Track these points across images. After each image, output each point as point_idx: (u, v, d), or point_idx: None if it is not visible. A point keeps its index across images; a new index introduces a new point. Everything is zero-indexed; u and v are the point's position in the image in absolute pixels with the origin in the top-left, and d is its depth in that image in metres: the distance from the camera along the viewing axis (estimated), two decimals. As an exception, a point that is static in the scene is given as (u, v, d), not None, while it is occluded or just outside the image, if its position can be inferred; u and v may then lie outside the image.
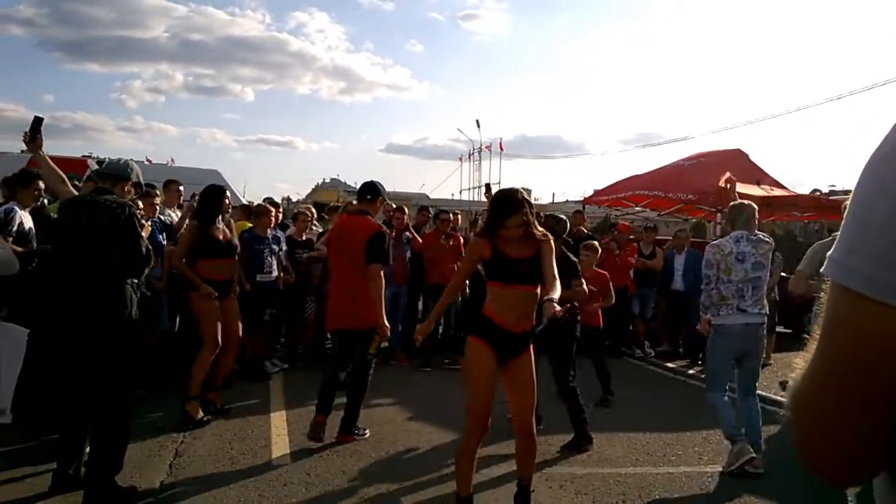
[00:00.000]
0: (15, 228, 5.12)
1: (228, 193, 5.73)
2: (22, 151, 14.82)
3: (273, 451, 4.80)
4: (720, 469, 4.74)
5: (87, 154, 15.10)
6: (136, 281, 3.98)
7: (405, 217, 7.98)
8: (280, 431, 5.21)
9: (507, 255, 3.57)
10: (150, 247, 3.99)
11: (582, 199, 18.20)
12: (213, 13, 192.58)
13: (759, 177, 10.59)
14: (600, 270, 6.34)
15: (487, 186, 8.01)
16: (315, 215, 8.49)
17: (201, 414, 5.24)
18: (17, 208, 5.29)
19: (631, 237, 9.52)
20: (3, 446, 4.46)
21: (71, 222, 3.76)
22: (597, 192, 14.11)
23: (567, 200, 37.67)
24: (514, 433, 3.81)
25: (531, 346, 3.74)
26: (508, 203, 3.61)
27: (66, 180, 4.15)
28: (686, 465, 4.86)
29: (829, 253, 0.71)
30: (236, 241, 5.75)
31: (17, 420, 3.72)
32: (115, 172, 3.97)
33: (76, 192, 4.16)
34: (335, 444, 4.94)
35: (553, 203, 42.93)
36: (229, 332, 5.51)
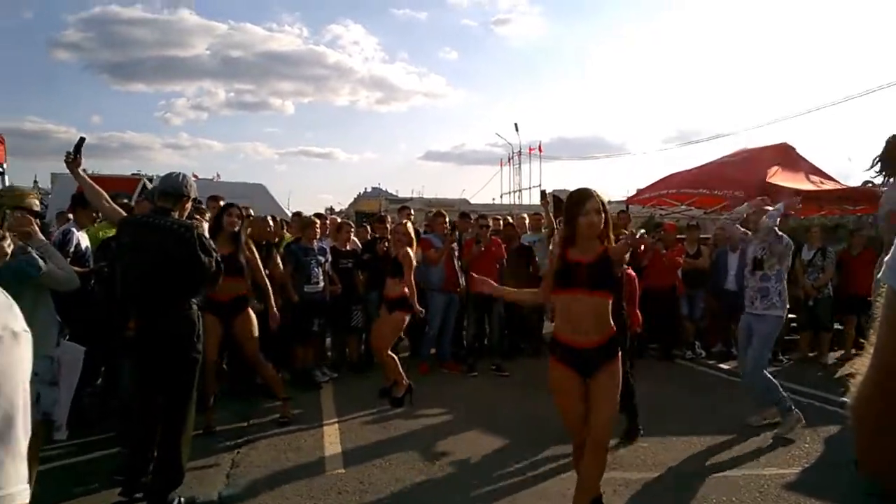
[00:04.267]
0: (72, 249, 5.32)
1: (236, 210, 5.58)
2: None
3: (327, 460, 4.86)
4: (779, 471, 4.65)
5: (136, 172, 15.51)
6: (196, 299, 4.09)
7: (446, 222, 7.96)
8: (332, 440, 5.27)
9: (571, 261, 3.43)
10: (219, 260, 4.08)
11: (625, 198, 18.00)
12: (251, 29, 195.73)
13: (807, 170, 10.32)
14: (630, 273, 5.92)
15: (543, 193, 7.84)
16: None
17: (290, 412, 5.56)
18: (74, 230, 5.49)
19: (679, 236, 9.38)
20: (64, 459, 4.61)
21: (138, 244, 3.86)
22: (640, 191, 13.91)
23: (610, 201, 37.20)
24: (586, 447, 3.46)
25: (618, 356, 3.47)
26: (579, 194, 3.46)
27: (108, 198, 4.20)
28: (744, 469, 4.76)
29: (885, 259, 0.71)
30: (243, 259, 5.51)
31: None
32: (174, 192, 4.02)
33: (120, 210, 4.23)
34: (388, 453, 4.98)
35: (595, 203, 42.44)
36: (245, 352, 5.51)
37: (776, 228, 5.56)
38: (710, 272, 8.79)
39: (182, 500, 3.90)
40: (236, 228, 5.46)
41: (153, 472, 3.89)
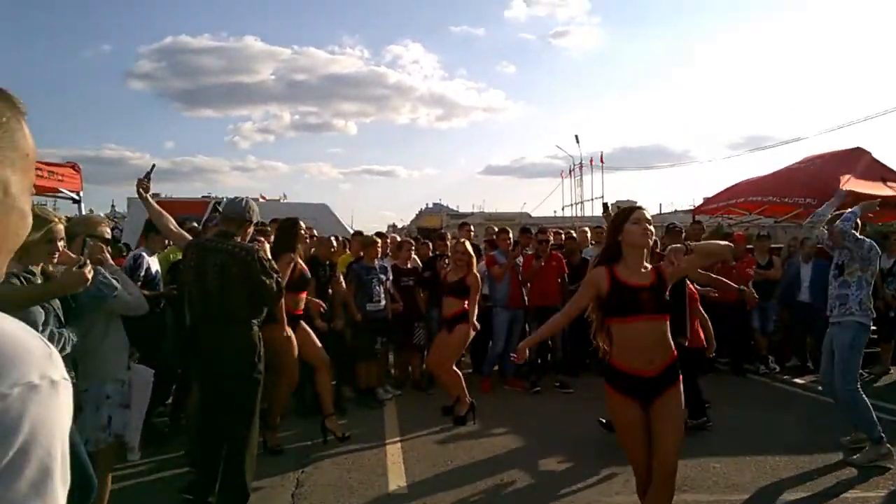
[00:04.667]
0: (142, 273, 5.51)
1: (303, 223, 5.67)
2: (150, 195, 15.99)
3: (390, 479, 4.85)
4: (861, 495, 4.40)
5: (206, 195, 16.03)
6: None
7: (509, 239, 7.92)
8: (395, 459, 5.26)
9: (626, 283, 3.22)
10: (280, 281, 4.16)
11: (691, 208, 17.56)
12: (314, 53, 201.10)
13: (884, 175, 9.84)
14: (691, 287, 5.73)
15: (605, 206, 7.72)
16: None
17: (342, 431, 5.51)
18: (144, 254, 5.68)
19: (749, 247, 9.08)
20: (136, 478, 4.75)
21: (201, 267, 3.96)
22: (707, 201, 13.55)
23: (675, 210, 36.48)
24: (653, 480, 3.30)
25: (679, 378, 3.30)
26: (623, 210, 3.38)
27: (174, 223, 4.33)
28: (822, 492, 4.52)
29: None
30: (308, 273, 5.73)
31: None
32: (237, 216, 4.12)
33: (186, 234, 4.35)
34: (451, 472, 4.95)
35: (660, 213, 41.67)
36: (314, 355, 5.68)
37: (856, 233, 5.26)
38: (783, 283, 8.46)
39: (247, 519, 3.95)
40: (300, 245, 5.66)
41: (218, 491, 3.96)
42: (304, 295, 5.68)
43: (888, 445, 4.96)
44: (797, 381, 7.89)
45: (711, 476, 4.81)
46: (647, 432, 3.25)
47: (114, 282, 3.44)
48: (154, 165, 4.48)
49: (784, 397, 7.34)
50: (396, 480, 4.82)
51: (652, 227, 3.29)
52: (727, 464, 4.98)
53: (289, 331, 5.31)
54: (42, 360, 0.73)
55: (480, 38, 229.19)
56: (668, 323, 3.29)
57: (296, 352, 5.39)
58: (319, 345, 5.68)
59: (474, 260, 6.41)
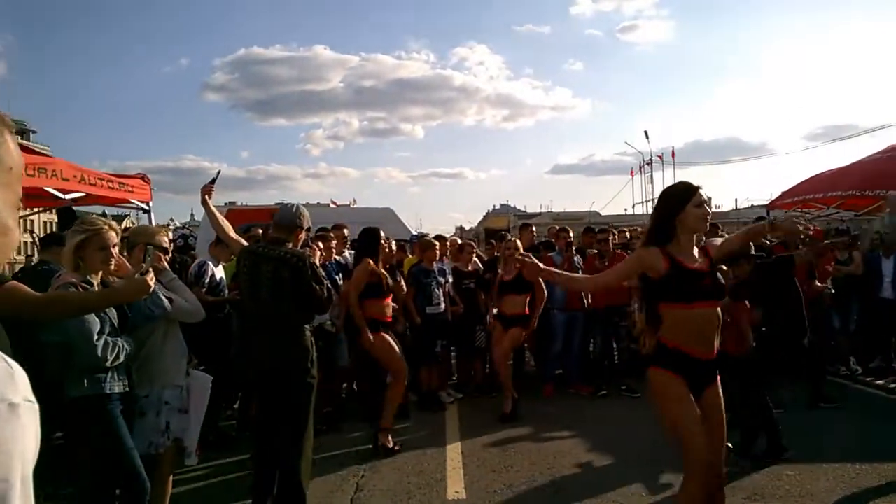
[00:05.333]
0: (207, 280, 5.66)
1: (383, 233, 5.85)
2: (225, 203, 16.53)
3: (449, 484, 4.82)
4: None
5: (279, 202, 16.46)
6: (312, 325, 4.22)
7: (569, 237, 7.77)
8: (455, 465, 5.23)
9: (689, 268, 3.06)
10: (331, 288, 4.20)
11: (767, 203, 16.87)
12: (382, 59, 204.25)
13: (979, 162, 9.21)
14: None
15: None
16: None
17: (392, 443, 5.46)
18: (209, 261, 5.84)
19: (827, 242, 8.64)
20: (200, 482, 4.87)
21: (253, 273, 4.03)
22: (783, 194, 12.99)
23: (752, 205, 35.11)
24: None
25: (718, 374, 3.20)
26: (682, 188, 3.17)
27: (231, 229, 4.41)
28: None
29: None
30: (389, 280, 5.81)
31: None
32: (288, 224, 4.17)
33: (244, 241, 4.42)
34: (510, 477, 4.88)
35: (736, 209, 40.29)
36: (394, 367, 5.72)
37: None
38: (864, 280, 8.01)
39: (306, 523, 3.98)
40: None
41: (276, 495, 4.01)
42: (388, 301, 5.77)
43: None
44: (879, 383, 7.44)
45: (784, 484, 4.58)
46: (699, 412, 3.05)
47: (164, 301, 3.48)
48: (219, 172, 4.58)
49: (865, 400, 6.93)
50: (455, 486, 4.78)
51: (701, 200, 3.14)
52: (801, 471, 4.73)
53: (372, 336, 5.48)
54: (2, 382, 0.72)
55: (546, 37, 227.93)
56: (719, 310, 3.17)
57: (394, 350, 5.61)
58: (400, 356, 5.73)
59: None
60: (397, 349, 5.63)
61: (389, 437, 5.55)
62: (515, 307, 6.66)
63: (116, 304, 3.19)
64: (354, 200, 19.48)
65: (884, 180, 9.04)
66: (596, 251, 7.72)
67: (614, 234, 8.32)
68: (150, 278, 3.16)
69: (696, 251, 3.17)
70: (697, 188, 3.17)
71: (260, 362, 4.00)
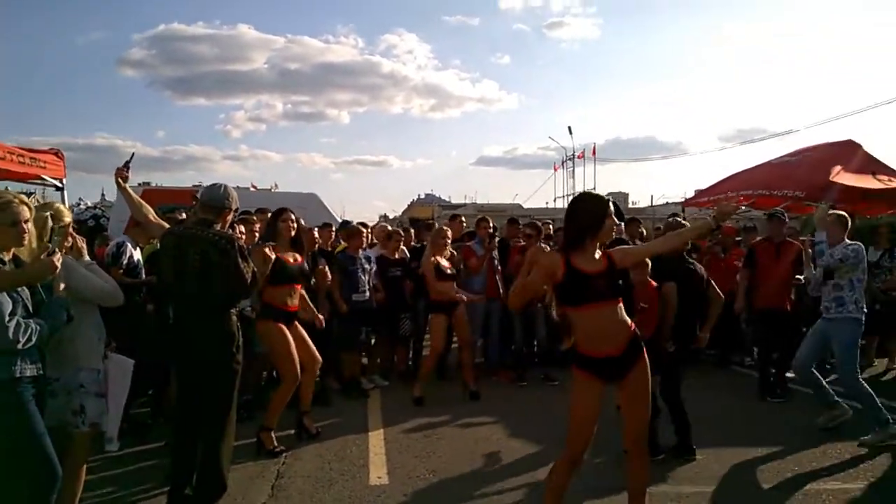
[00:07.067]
0: (125, 261, 5.45)
1: (293, 216, 5.36)
2: (140, 184, 15.91)
3: (371, 470, 4.82)
4: (841, 486, 4.42)
5: (196, 184, 15.99)
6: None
7: (489, 227, 7.86)
8: (377, 451, 5.23)
9: (584, 272, 3.24)
10: (255, 271, 4.11)
11: (682, 200, 17.56)
12: (308, 42, 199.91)
13: (874, 168, 9.84)
14: (651, 283, 5.17)
15: None
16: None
17: (275, 444, 5.13)
18: (128, 242, 5.62)
19: (738, 239, 9.08)
20: (113, 469, 4.70)
21: (179, 255, 3.91)
22: (698, 193, 13.55)
23: (667, 202, 36.47)
24: (627, 452, 3.51)
25: (643, 350, 3.39)
26: (600, 207, 3.34)
27: (153, 213, 4.26)
28: (804, 482, 4.51)
29: None
30: (307, 266, 5.49)
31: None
32: (217, 204, 4.06)
33: (165, 224, 4.26)
34: (433, 463, 4.93)
35: (652, 206, 41.71)
36: (304, 355, 5.37)
37: (841, 249, 5.50)
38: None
39: (225, 510, 3.91)
40: (293, 233, 5.35)
41: (195, 482, 3.92)
42: (289, 288, 5.24)
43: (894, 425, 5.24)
44: (790, 375, 7.86)
45: (694, 468, 4.81)
46: (595, 417, 3.34)
47: (64, 315, 3.17)
48: (133, 154, 4.41)
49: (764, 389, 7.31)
50: (377, 471, 4.79)
51: (613, 223, 3.37)
52: (709, 455, 4.97)
53: (264, 324, 5.16)
54: None
55: (475, 29, 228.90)
56: (621, 305, 3.35)
57: (287, 345, 5.08)
58: (312, 345, 5.43)
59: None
60: (292, 345, 5.12)
61: (311, 419, 5.54)
62: (451, 292, 6.75)
63: (23, 285, 3.01)
64: (276, 185, 19.06)
65: (790, 182, 9.56)
66: (522, 244, 7.85)
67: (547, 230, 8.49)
68: (57, 258, 3.02)
69: (597, 254, 3.35)
70: (609, 201, 3.40)
71: (184, 346, 3.89)
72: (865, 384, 5.42)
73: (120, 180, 4.22)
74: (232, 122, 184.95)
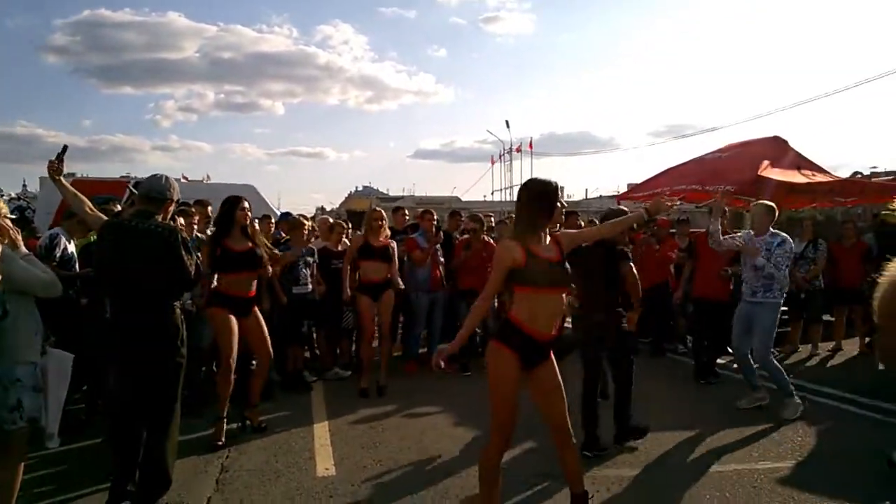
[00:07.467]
0: (59, 254, 5.26)
1: (247, 204, 5.43)
2: (66, 175, 15.28)
3: (317, 462, 4.81)
4: (772, 465, 4.65)
5: (125, 175, 15.49)
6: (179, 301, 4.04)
7: (434, 220, 7.91)
8: (323, 442, 5.22)
9: (542, 257, 3.33)
10: (199, 264, 4.04)
11: (615, 193, 18.00)
12: (241, 31, 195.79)
13: (799, 163, 10.32)
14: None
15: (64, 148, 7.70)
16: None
17: (221, 438, 5.10)
18: (61, 233, 5.42)
19: (672, 231, 9.38)
20: (52, 467, 4.58)
21: (120, 248, 3.80)
22: (633, 188, 13.92)
23: (601, 196, 37.34)
24: (555, 442, 3.56)
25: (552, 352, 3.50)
26: (552, 192, 3.41)
27: (91, 206, 4.13)
28: (737, 463, 4.74)
29: None
30: (261, 252, 5.46)
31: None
32: (158, 196, 3.96)
33: (103, 216, 4.14)
34: (379, 454, 4.95)
35: (587, 199, 42.60)
36: (258, 348, 5.49)
37: (771, 227, 5.90)
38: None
39: (170, 506, 3.84)
40: (248, 222, 5.40)
41: (139, 477, 3.83)
42: (242, 276, 5.29)
43: (798, 400, 5.75)
44: (721, 361, 8.18)
45: (634, 451, 4.97)
46: (517, 393, 3.39)
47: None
48: (66, 146, 4.18)
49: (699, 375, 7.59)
50: (324, 463, 4.78)
51: (562, 211, 3.60)
52: (648, 440, 5.15)
53: (227, 314, 5.17)
54: None
55: (411, 21, 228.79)
56: (565, 294, 3.48)
57: (231, 333, 5.13)
58: (267, 339, 5.46)
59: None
60: (235, 336, 5.16)
61: (257, 413, 5.55)
62: (379, 273, 6.74)
63: None
64: (208, 176, 18.59)
65: (723, 178, 9.93)
66: (467, 237, 7.92)
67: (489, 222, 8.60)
68: None
69: (547, 240, 3.44)
70: (559, 188, 3.48)
71: (126, 341, 3.79)
72: (775, 360, 5.97)
73: (56, 176, 4.07)
74: (162, 112, 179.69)
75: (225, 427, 5.18)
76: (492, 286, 3.47)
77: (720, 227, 6.13)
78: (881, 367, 6.81)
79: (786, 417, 5.64)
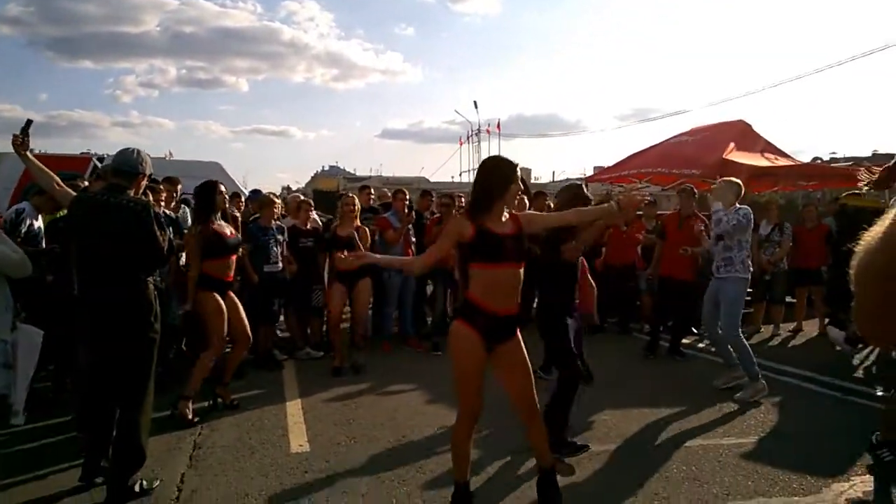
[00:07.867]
0: (24, 230, 5.15)
1: (223, 187, 5.55)
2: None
3: (291, 439, 4.83)
4: (736, 441, 4.79)
5: (85, 151, 15.12)
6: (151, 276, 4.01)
7: (406, 200, 7.92)
8: (297, 419, 5.24)
9: (493, 232, 3.32)
10: (171, 239, 4.01)
11: (582, 175, 18.16)
12: (204, 5, 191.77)
13: (762, 147, 10.55)
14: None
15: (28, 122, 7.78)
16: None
17: (192, 416, 5.11)
18: (27, 209, 5.31)
19: (639, 213, 9.51)
20: (21, 444, 4.51)
21: (92, 223, 3.74)
22: (600, 171, 14.07)
23: (567, 179, 37.55)
24: (522, 420, 3.60)
25: (518, 329, 3.50)
26: (507, 168, 3.41)
27: (59, 181, 4.03)
28: (703, 438, 4.88)
29: None
30: (240, 235, 5.60)
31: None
32: (130, 170, 3.89)
33: (71, 192, 4.05)
34: (352, 430, 4.99)
35: (553, 181, 42.84)
36: (238, 329, 5.50)
37: (731, 214, 5.93)
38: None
39: (143, 483, 3.83)
40: (226, 206, 5.57)
41: (112, 454, 3.81)
42: (229, 259, 5.46)
43: (763, 382, 5.83)
44: (686, 340, 8.37)
45: (602, 428, 5.09)
46: (482, 369, 3.39)
47: None
48: (30, 121, 4.06)
49: (666, 353, 7.77)
50: (298, 440, 4.81)
51: (519, 188, 3.46)
52: (616, 416, 5.28)
53: (201, 294, 5.24)
54: None
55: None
56: (522, 270, 3.42)
57: (221, 316, 5.26)
58: (245, 320, 5.55)
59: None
60: (225, 317, 5.29)
61: (228, 391, 5.58)
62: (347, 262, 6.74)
63: None
64: (170, 153, 18.10)
65: (689, 161, 10.09)
66: (437, 215, 7.94)
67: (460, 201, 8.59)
68: None
69: (505, 216, 3.43)
70: (516, 166, 3.46)
71: (98, 317, 3.74)
72: (745, 340, 6.00)
73: (22, 150, 3.97)
74: (122, 87, 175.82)
75: (191, 405, 5.17)
76: (435, 249, 3.51)
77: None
78: (838, 347, 7.05)
79: (743, 399, 5.73)
